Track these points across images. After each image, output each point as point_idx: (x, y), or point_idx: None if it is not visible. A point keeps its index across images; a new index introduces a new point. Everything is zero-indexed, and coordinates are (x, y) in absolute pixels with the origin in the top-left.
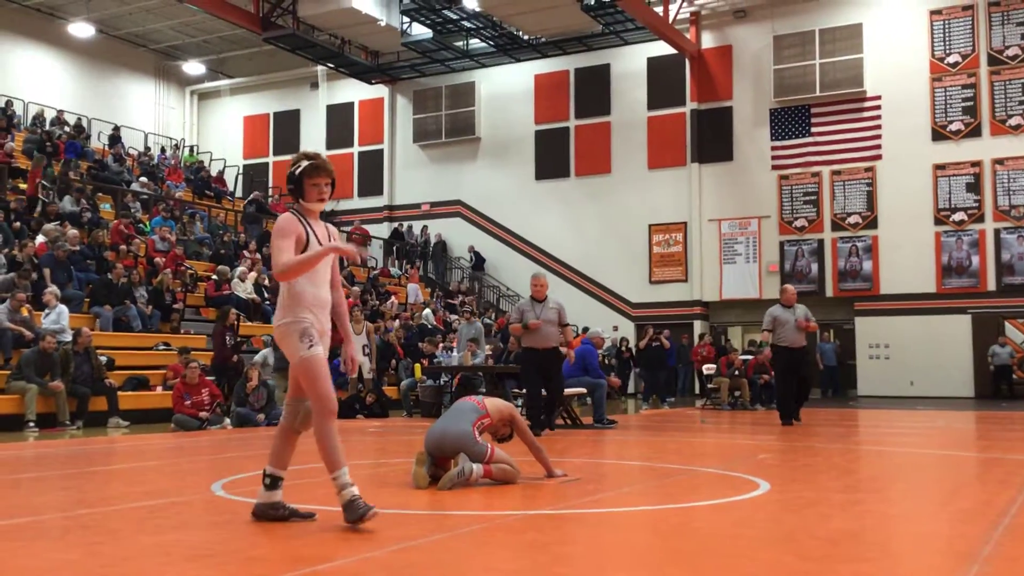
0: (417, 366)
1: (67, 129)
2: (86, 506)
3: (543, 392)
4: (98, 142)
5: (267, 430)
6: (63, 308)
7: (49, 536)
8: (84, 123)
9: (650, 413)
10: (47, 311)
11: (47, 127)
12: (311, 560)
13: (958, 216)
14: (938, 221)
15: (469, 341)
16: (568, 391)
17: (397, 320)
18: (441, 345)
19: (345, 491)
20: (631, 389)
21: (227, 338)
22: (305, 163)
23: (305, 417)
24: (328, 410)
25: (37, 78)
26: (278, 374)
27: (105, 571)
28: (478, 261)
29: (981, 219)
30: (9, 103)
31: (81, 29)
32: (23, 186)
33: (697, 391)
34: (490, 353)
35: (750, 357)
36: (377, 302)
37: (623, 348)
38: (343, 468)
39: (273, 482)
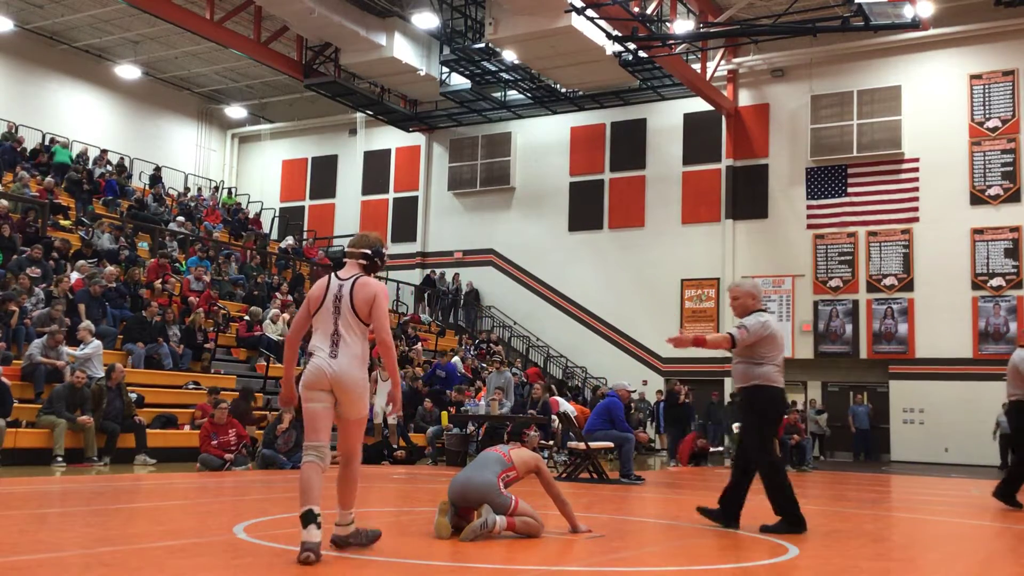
0: (444, 414)
1: (109, 168)
2: (108, 544)
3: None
4: (139, 181)
5: (292, 473)
6: (98, 343)
7: (69, 573)
8: (127, 163)
9: (677, 470)
10: (82, 346)
11: (89, 165)
12: None
13: (996, 281)
14: (975, 286)
15: (496, 389)
16: (594, 444)
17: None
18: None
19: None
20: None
21: None
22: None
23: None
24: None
25: (83, 117)
26: None
27: None
28: (473, 293)
29: (1019, 285)
30: (53, 140)
31: (128, 71)
32: (64, 223)
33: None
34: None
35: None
36: (406, 348)
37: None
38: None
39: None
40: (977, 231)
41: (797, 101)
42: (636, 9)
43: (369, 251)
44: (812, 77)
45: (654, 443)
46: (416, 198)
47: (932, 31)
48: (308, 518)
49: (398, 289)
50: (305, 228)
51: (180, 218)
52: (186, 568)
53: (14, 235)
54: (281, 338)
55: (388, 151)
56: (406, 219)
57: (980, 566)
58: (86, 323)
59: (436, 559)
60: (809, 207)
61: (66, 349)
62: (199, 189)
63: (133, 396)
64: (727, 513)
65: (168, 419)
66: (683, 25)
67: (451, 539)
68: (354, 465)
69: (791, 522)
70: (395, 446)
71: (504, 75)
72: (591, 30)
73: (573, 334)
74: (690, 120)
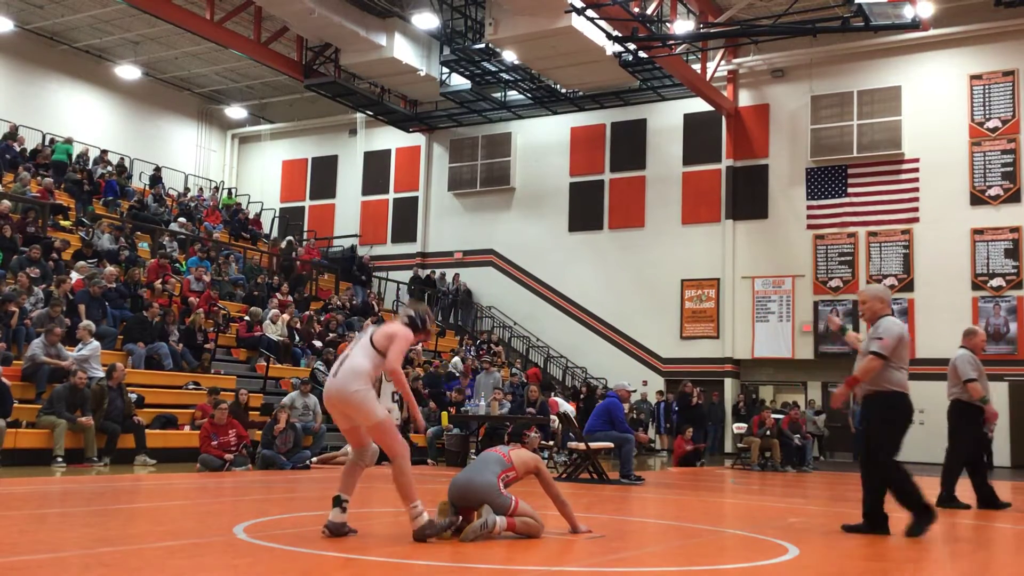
0: (444, 414)
1: (110, 168)
2: (108, 544)
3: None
4: (139, 182)
5: (292, 473)
6: (96, 344)
7: (69, 573)
8: (127, 163)
9: (679, 471)
10: (80, 346)
11: (89, 166)
12: None
13: (996, 282)
14: (976, 286)
15: (496, 390)
16: (594, 445)
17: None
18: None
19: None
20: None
21: None
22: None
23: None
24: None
25: (83, 117)
26: None
27: None
28: (466, 292)
29: (1019, 285)
30: (53, 140)
31: (128, 72)
32: (64, 223)
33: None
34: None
35: (782, 416)
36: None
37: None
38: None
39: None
40: (977, 231)
41: (797, 101)
42: (636, 9)
43: (412, 313)
44: (812, 77)
45: (654, 443)
46: (416, 198)
47: (932, 31)
48: (335, 502)
49: (398, 290)
50: (305, 228)
51: (181, 219)
52: (186, 568)
53: (14, 235)
54: (281, 338)
55: (388, 151)
56: (406, 219)
57: (980, 566)
58: (86, 323)
59: (436, 559)
60: (809, 207)
61: (64, 350)
62: (199, 189)
63: (133, 396)
64: (876, 524)
65: (168, 419)
66: (683, 25)
67: (451, 539)
68: (397, 463)
69: (921, 514)
70: None
71: (504, 75)
72: (591, 30)
73: (573, 334)
74: (690, 120)
